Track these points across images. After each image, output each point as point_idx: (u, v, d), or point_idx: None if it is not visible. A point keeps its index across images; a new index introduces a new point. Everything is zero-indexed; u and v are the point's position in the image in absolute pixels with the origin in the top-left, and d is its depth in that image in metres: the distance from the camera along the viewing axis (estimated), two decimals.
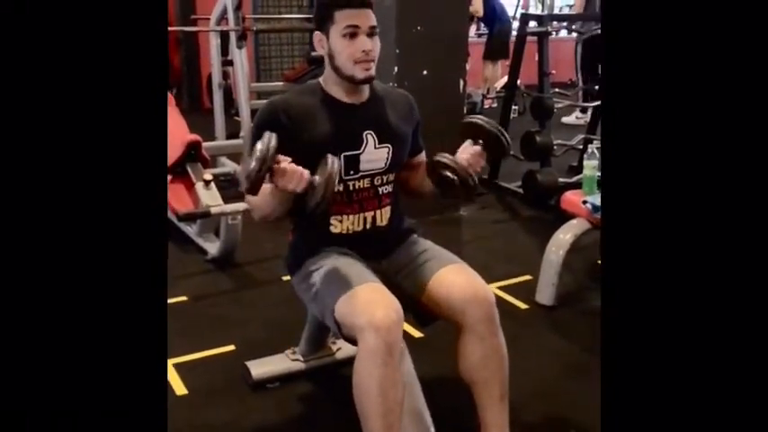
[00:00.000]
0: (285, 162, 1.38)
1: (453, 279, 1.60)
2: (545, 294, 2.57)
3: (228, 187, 3.92)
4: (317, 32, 1.60)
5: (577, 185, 3.11)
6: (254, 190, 1.37)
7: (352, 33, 1.54)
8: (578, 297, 2.67)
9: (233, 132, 4.31)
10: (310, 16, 6.07)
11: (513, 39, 5.08)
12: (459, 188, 1.56)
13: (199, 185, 3.00)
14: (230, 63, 4.11)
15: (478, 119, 1.60)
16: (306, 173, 1.39)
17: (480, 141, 1.59)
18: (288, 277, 1.80)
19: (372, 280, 1.53)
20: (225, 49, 4.15)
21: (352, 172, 1.62)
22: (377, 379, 1.39)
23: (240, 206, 2.88)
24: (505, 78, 6.55)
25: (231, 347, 2.25)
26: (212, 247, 3.04)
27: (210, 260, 3.02)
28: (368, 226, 1.67)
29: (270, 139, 1.36)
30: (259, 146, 1.35)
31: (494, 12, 6.62)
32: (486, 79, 6.90)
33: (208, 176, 3.00)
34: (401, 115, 1.71)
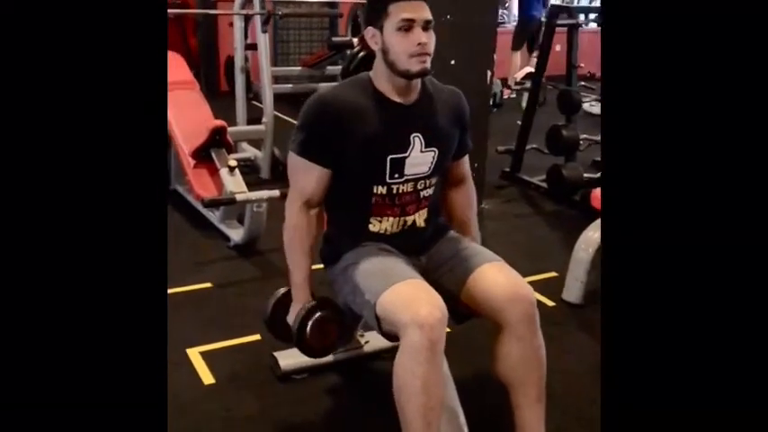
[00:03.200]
0: None
1: (494, 277, 1.57)
2: (573, 292, 2.54)
3: (249, 173, 3.90)
4: (369, 28, 1.55)
5: None
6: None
7: (408, 27, 1.49)
8: None
9: (253, 117, 4.28)
10: (332, 0, 6.02)
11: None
12: None
13: (223, 171, 2.97)
14: (252, 47, 4.07)
15: None
16: None
17: None
18: (314, 266, 1.77)
19: (415, 276, 1.51)
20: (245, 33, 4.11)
21: (396, 176, 1.58)
22: (420, 377, 1.37)
23: (265, 194, 2.85)
24: (525, 69, 6.49)
25: (257, 336, 2.23)
26: (235, 234, 3.02)
27: (233, 247, 3.00)
28: (406, 227, 1.65)
29: None
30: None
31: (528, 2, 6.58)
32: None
33: (232, 162, 2.97)
34: (450, 116, 1.67)
